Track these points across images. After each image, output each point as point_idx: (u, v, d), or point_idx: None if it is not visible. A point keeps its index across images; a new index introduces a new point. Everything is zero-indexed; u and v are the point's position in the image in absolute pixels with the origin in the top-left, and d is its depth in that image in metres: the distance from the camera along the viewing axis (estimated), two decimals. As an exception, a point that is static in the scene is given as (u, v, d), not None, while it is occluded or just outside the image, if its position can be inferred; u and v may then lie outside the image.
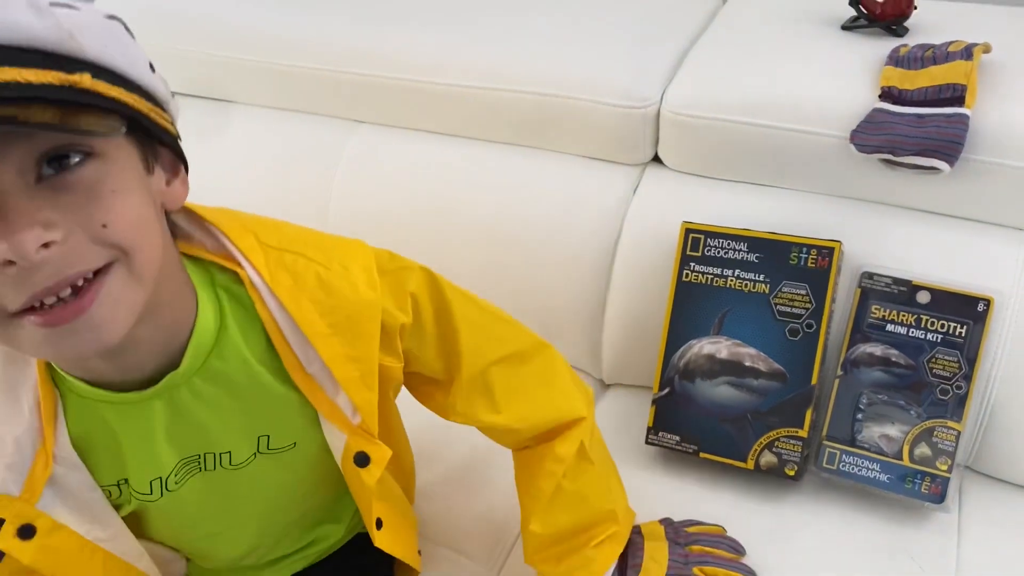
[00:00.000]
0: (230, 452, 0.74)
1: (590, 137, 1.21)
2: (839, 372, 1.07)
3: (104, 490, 0.72)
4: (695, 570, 0.90)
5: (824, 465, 1.05)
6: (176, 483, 0.74)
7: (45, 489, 0.67)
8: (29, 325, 0.55)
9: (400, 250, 1.29)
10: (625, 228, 1.20)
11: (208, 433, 0.72)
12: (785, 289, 1.05)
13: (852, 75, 1.10)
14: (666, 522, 0.98)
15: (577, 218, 1.22)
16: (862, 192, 1.11)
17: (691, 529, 0.98)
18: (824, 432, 1.06)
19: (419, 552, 0.96)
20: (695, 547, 0.94)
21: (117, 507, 0.74)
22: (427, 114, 1.30)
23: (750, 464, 1.05)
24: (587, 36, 1.24)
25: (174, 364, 0.67)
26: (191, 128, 1.46)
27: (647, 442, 1.11)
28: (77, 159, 0.54)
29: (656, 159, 1.22)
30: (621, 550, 0.90)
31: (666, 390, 1.10)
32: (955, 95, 1.02)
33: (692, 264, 1.09)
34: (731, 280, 1.07)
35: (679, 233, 1.11)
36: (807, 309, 1.04)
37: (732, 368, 1.06)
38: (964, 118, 1.01)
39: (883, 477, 1.03)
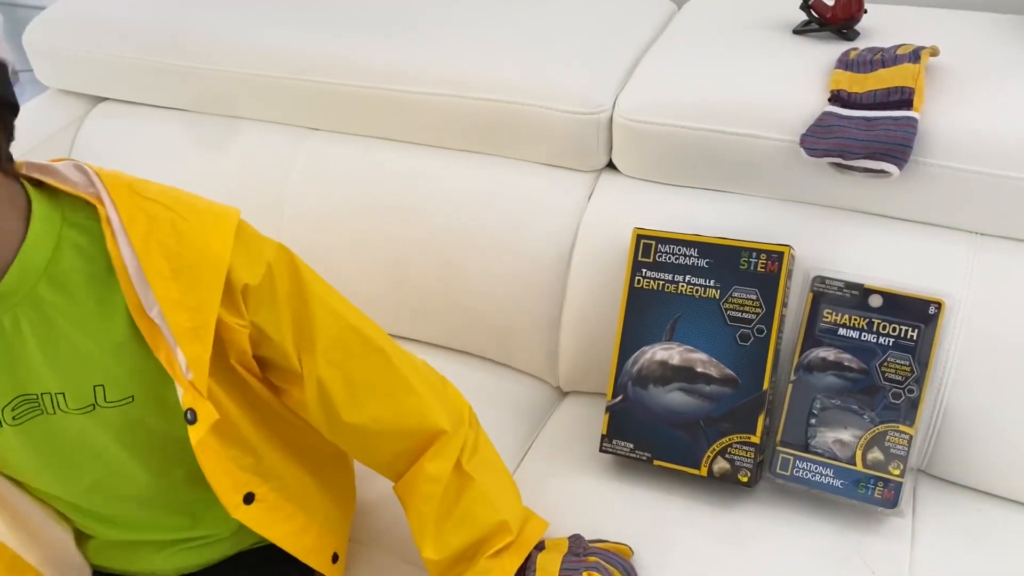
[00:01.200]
0: (64, 394, 0.73)
1: (546, 144, 1.20)
2: (792, 377, 1.06)
3: None
4: (584, 573, 0.89)
5: (778, 471, 1.05)
6: (14, 419, 0.74)
7: None
8: None
9: (356, 257, 1.30)
10: (580, 234, 1.19)
11: (36, 369, 0.72)
12: (735, 294, 1.04)
13: (802, 79, 1.10)
14: (574, 537, 0.97)
15: (533, 225, 1.21)
16: (814, 196, 1.10)
17: (595, 544, 0.97)
18: (778, 438, 1.06)
19: (335, 558, 0.94)
20: (591, 557, 0.93)
21: None
22: (382, 121, 1.29)
23: (703, 471, 1.04)
24: (542, 43, 1.24)
25: None
26: (147, 137, 1.46)
27: (601, 450, 1.10)
28: None
29: (611, 165, 1.22)
30: (520, 562, 0.89)
31: (619, 397, 1.09)
32: (903, 98, 1.02)
33: (644, 270, 1.09)
34: (682, 286, 1.07)
35: (631, 239, 1.10)
36: (757, 314, 1.03)
37: (684, 374, 1.05)
38: (912, 121, 1.01)
39: (836, 482, 1.02)
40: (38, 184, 0.72)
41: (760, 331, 1.03)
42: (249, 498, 0.83)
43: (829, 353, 1.05)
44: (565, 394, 1.29)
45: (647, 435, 1.07)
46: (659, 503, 1.05)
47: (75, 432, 0.76)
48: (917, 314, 1.01)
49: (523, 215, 1.21)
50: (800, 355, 1.06)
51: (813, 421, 1.05)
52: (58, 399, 0.74)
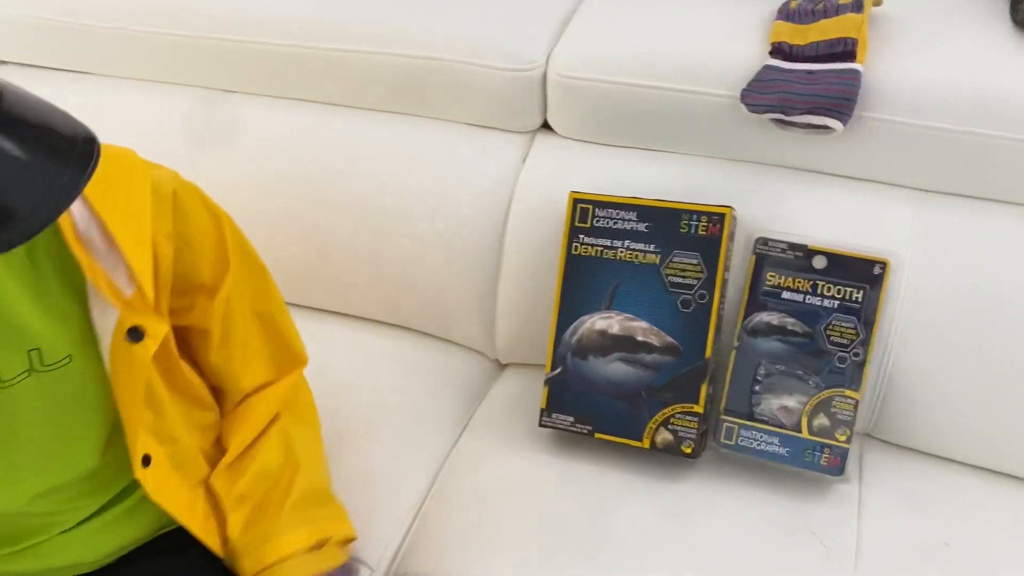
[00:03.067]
0: None
1: (473, 103, 1.14)
2: (735, 343, 1.02)
3: None
4: None
5: (722, 440, 1.01)
6: None
7: None
8: None
9: (274, 226, 1.22)
10: (515, 199, 1.13)
11: None
12: (676, 259, 1.00)
13: (743, 31, 1.05)
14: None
15: (463, 190, 1.15)
16: (755, 155, 1.06)
17: None
18: (722, 406, 1.02)
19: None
20: None
21: None
22: (297, 81, 1.20)
23: (646, 443, 1.00)
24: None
25: None
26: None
27: (541, 424, 1.05)
28: None
29: (546, 126, 1.16)
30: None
31: (558, 369, 1.04)
32: (846, 49, 0.98)
33: (581, 236, 1.04)
34: (621, 252, 1.02)
35: (567, 203, 1.05)
36: (699, 279, 0.99)
37: (624, 344, 1.00)
38: (856, 74, 0.96)
39: (782, 451, 0.99)
40: None
41: (702, 297, 0.99)
42: (146, 460, 0.78)
43: (773, 317, 1.01)
44: (504, 366, 1.23)
45: (587, 407, 1.03)
46: (601, 478, 1.02)
47: (10, 416, 0.72)
48: (862, 275, 0.98)
49: (453, 179, 1.15)
50: (743, 320, 1.02)
51: (757, 388, 1.01)
52: None
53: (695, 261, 0.99)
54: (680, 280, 0.99)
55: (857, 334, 0.98)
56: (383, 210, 1.16)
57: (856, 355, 0.98)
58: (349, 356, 1.21)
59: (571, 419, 1.04)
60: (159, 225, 0.75)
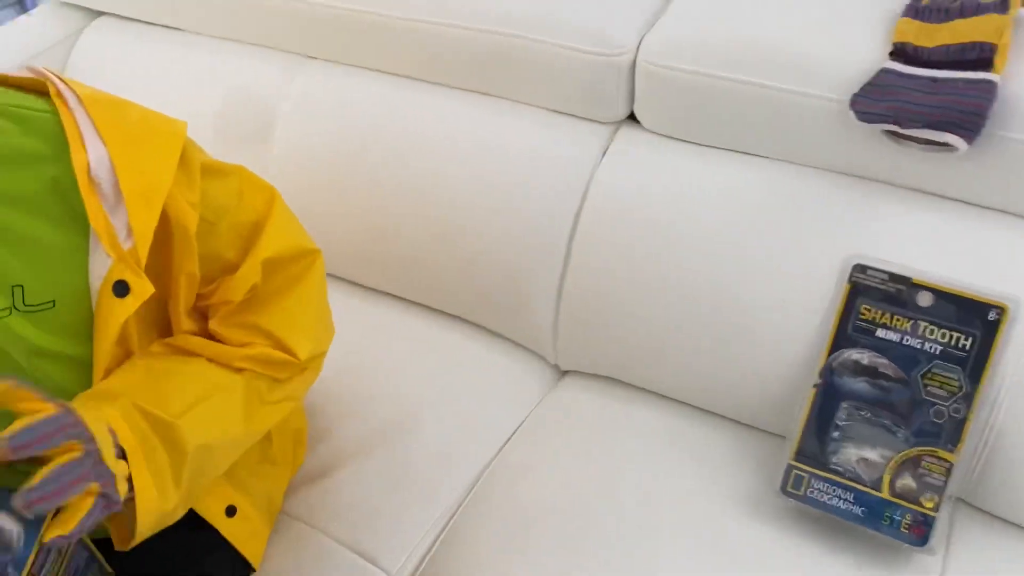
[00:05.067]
0: None
1: (555, 87, 1.05)
2: (816, 380, 0.91)
3: None
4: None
5: (789, 488, 0.90)
6: None
7: None
8: None
9: (343, 198, 1.16)
10: (590, 195, 1.04)
11: None
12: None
13: (861, 27, 0.92)
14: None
15: (536, 179, 1.06)
16: (861, 169, 0.93)
17: None
18: (793, 450, 0.91)
19: (230, 511, 0.86)
20: None
21: None
22: (377, 51, 1.14)
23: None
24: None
25: None
26: (139, 55, 1.35)
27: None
28: None
29: (632, 117, 1.06)
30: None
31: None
32: (982, 56, 0.84)
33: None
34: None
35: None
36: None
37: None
38: (990, 85, 0.83)
39: (857, 510, 0.87)
40: None
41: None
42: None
43: (863, 356, 0.89)
44: (563, 373, 1.15)
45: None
46: (653, 505, 0.92)
47: None
48: (973, 319, 0.85)
49: (527, 167, 1.06)
50: (829, 354, 0.90)
51: (836, 434, 0.89)
52: None
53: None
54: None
55: (960, 387, 0.85)
56: (450, 192, 1.09)
57: (956, 411, 0.85)
58: (398, 342, 1.15)
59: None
60: (183, 191, 0.72)
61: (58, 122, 0.68)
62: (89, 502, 0.63)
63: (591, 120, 1.06)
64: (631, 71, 1.01)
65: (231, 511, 0.87)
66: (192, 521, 0.82)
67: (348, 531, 0.95)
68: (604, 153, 1.05)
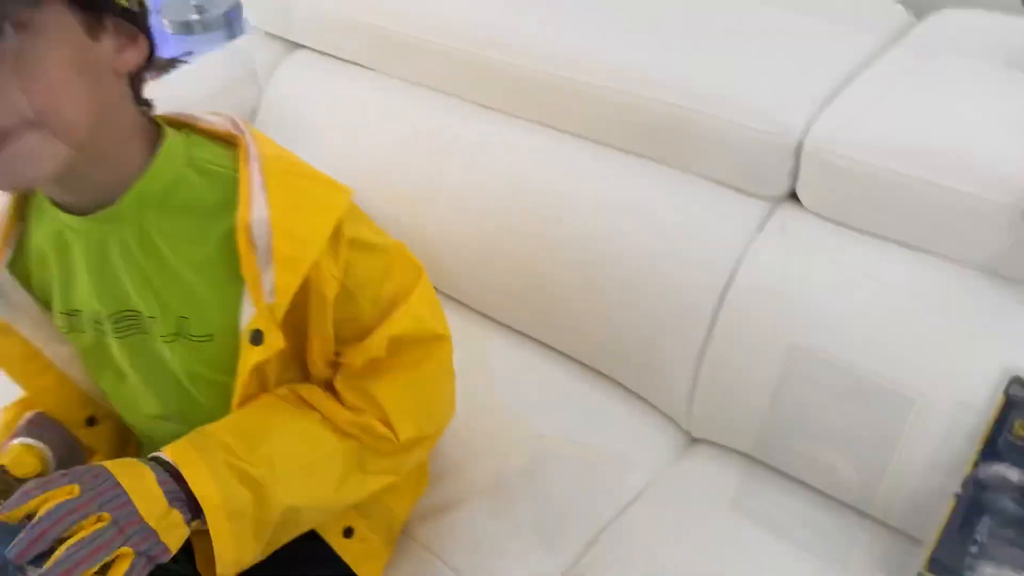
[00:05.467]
0: (155, 318, 0.78)
1: (719, 160, 1.06)
2: (958, 488, 0.87)
3: (60, 316, 0.81)
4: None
5: (919, 599, 0.87)
6: (116, 332, 0.79)
7: None
8: None
9: (502, 242, 1.22)
10: (742, 269, 1.04)
11: (138, 290, 0.77)
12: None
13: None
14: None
15: (688, 246, 1.07)
16: (1032, 278, 0.90)
17: None
18: (926, 558, 0.88)
19: (347, 532, 0.90)
20: None
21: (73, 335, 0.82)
22: (553, 108, 1.18)
23: None
24: (741, 46, 1.08)
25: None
26: (331, 90, 1.45)
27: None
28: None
29: (793, 196, 1.06)
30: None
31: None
32: None
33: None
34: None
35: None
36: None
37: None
38: None
39: (989, 634, 0.83)
40: (180, 127, 0.78)
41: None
42: None
43: (1014, 474, 0.85)
44: (694, 440, 1.15)
45: None
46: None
47: (159, 358, 0.80)
48: None
49: (679, 233, 1.08)
50: (976, 466, 0.87)
51: (975, 549, 0.86)
52: (151, 323, 0.78)
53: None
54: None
55: (1118, 521, 0.80)
56: (602, 250, 1.12)
57: (1110, 546, 0.80)
58: (535, 387, 1.19)
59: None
60: (327, 262, 0.77)
61: (237, 179, 0.74)
62: (125, 565, 0.65)
63: (750, 194, 1.06)
64: (796, 154, 1.00)
65: (348, 532, 0.91)
66: (308, 532, 0.85)
67: (468, 566, 0.99)
68: (761, 228, 1.05)
